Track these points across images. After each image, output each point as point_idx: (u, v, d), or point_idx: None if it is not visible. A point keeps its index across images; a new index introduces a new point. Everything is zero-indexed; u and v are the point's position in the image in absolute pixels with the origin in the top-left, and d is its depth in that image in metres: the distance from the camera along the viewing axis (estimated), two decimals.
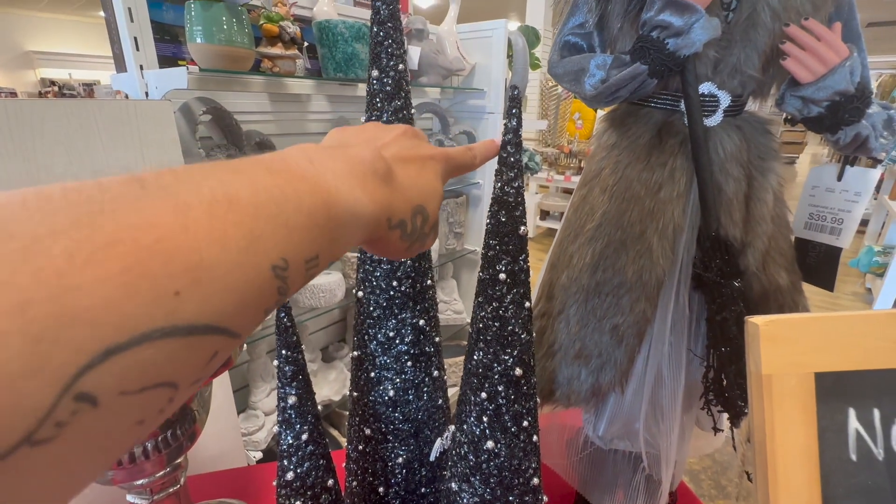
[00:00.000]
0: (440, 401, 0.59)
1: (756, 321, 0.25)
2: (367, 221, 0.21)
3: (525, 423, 0.42)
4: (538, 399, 0.44)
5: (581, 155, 4.02)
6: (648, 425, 0.56)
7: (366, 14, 1.36)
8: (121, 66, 1.05)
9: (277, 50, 0.98)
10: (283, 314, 0.40)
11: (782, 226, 0.48)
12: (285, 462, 0.43)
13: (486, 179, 1.65)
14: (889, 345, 0.26)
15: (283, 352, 0.40)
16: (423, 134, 0.30)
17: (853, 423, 0.27)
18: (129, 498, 0.54)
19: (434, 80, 1.43)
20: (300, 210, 0.17)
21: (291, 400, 0.41)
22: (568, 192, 4.37)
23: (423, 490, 0.60)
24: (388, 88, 0.44)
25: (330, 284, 1.23)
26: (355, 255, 1.31)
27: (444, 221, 1.63)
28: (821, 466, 0.26)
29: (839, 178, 0.46)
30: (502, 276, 0.37)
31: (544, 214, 4.45)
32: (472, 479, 0.43)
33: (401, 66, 0.43)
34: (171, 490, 0.55)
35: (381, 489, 0.59)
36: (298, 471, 0.43)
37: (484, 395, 0.41)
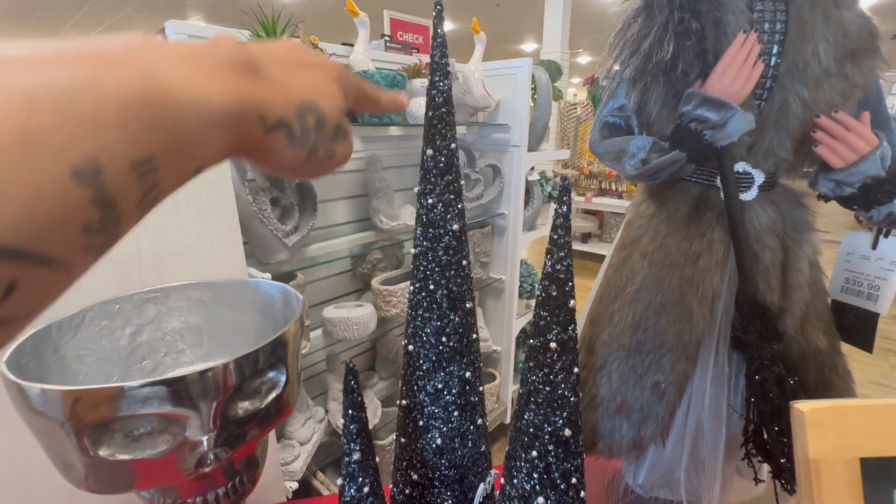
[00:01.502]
0: (483, 447, 0.62)
1: (802, 408, 0.28)
2: (225, 118, 0.18)
3: (573, 481, 0.44)
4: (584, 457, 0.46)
5: (601, 176, 4.03)
6: (689, 475, 0.57)
7: (397, 59, 1.43)
8: None
9: None
10: (350, 378, 0.43)
11: (819, 291, 0.50)
12: None
13: (510, 209, 1.69)
14: None
15: (350, 412, 0.43)
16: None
17: None
18: None
19: (461, 117, 1.49)
20: (104, 99, 0.14)
21: (356, 456, 0.44)
22: (588, 212, 4.36)
23: None
24: (441, 165, 0.48)
25: (363, 318, 1.27)
26: (387, 287, 1.35)
27: (470, 251, 1.67)
28: None
29: (873, 247, 0.47)
30: (553, 344, 0.40)
31: None
32: None
33: (452, 146, 0.48)
34: None
35: None
36: None
37: (535, 453, 0.43)
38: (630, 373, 0.51)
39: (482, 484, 0.62)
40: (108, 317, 0.59)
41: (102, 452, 0.42)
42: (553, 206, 1.65)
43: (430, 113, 0.47)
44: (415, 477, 0.60)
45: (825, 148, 0.43)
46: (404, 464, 0.61)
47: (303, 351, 1.23)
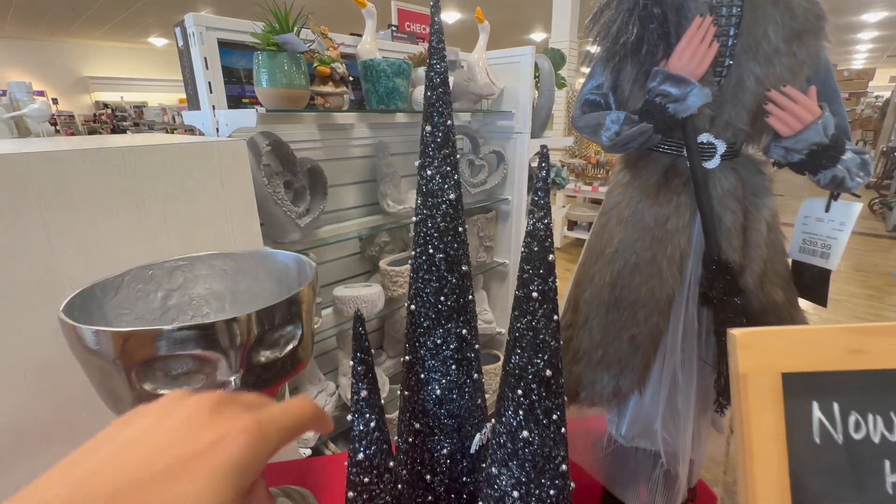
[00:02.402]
0: (479, 400, 0.68)
1: (735, 332, 0.33)
2: None
3: (555, 417, 0.50)
4: (565, 399, 0.52)
5: (608, 165, 4.04)
6: (666, 425, 0.62)
7: (403, 48, 1.48)
8: (193, 104, 1.20)
9: (329, 88, 1.10)
10: (359, 325, 0.49)
11: (776, 250, 0.54)
12: (356, 445, 0.52)
13: (514, 195, 1.73)
14: (843, 352, 0.33)
15: (358, 355, 0.50)
16: (233, 402, 0.22)
17: (816, 414, 0.33)
18: None
19: (465, 105, 1.54)
20: None
21: (363, 393, 0.50)
22: (595, 202, 4.38)
23: (464, 479, 0.68)
24: (438, 140, 0.54)
25: (372, 296, 1.34)
26: (394, 268, 1.41)
27: (474, 235, 1.72)
28: (789, 449, 0.33)
29: (826, 210, 0.52)
30: (535, 294, 0.46)
31: (571, 224, 4.48)
32: (510, 463, 0.52)
33: (449, 122, 0.53)
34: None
35: (427, 477, 0.68)
36: (367, 452, 0.52)
37: (520, 391, 0.49)
38: (609, 328, 0.57)
39: (478, 434, 0.68)
40: (143, 281, 0.66)
41: (147, 387, 0.49)
42: (557, 192, 1.69)
43: (429, 93, 0.52)
44: (417, 426, 0.67)
45: (774, 118, 0.48)
46: (408, 414, 0.68)
47: (315, 326, 1.30)
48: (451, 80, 1.45)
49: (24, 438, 0.74)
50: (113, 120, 8.34)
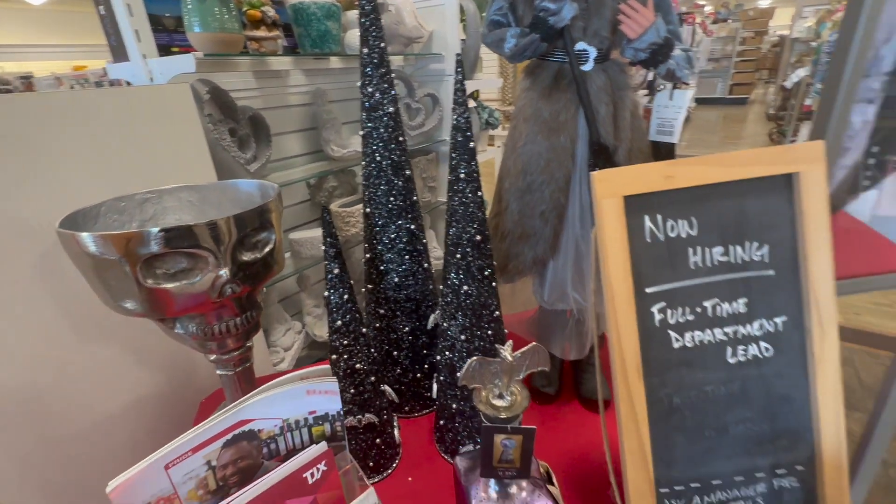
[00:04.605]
0: (430, 286, 0.82)
1: (593, 174, 0.48)
2: None
3: (486, 273, 0.65)
4: (495, 265, 0.67)
5: None
6: (576, 287, 0.80)
7: None
8: (119, 56, 1.18)
9: (262, 33, 1.14)
10: (326, 214, 0.61)
11: (638, 132, 0.72)
12: (334, 314, 0.65)
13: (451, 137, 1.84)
14: (660, 178, 0.49)
15: (328, 239, 0.61)
16: None
17: (647, 223, 0.50)
18: (218, 371, 0.76)
19: (397, 48, 1.60)
20: None
21: (336, 271, 0.63)
22: None
23: (424, 352, 0.84)
24: (375, 60, 0.64)
25: None
26: (345, 209, 1.50)
27: (418, 177, 1.83)
28: (630, 247, 0.49)
29: (671, 98, 0.70)
30: (462, 175, 0.59)
31: None
32: (457, 314, 0.67)
33: (382, 45, 0.63)
34: (246, 365, 0.77)
35: (395, 353, 0.83)
36: (344, 320, 0.65)
37: (458, 255, 0.64)
38: (524, 208, 0.73)
39: (433, 315, 0.83)
40: (118, 212, 0.72)
41: (150, 282, 0.58)
42: (489, 132, 1.81)
43: (363, 20, 0.62)
44: (381, 311, 0.81)
45: (625, 25, 0.64)
46: (373, 304, 0.81)
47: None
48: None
49: None
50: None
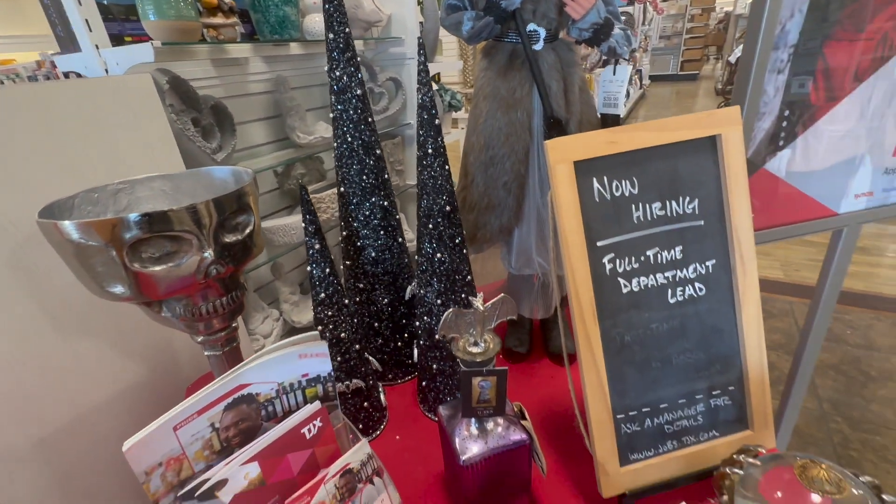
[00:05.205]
0: (406, 260, 0.87)
1: (546, 142, 0.54)
2: None
3: (457, 241, 0.71)
4: (464, 234, 0.73)
5: None
6: (540, 252, 0.87)
7: None
8: (68, 47, 1.15)
9: (219, 20, 1.13)
10: (303, 192, 0.65)
11: (587, 106, 0.79)
12: (318, 288, 0.69)
13: (415, 119, 1.87)
14: (605, 144, 0.56)
15: (307, 216, 0.65)
16: None
17: (595, 185, 0.57)
18: (206, 352, 0.78)
19: (356, 33, 1.61)
20: None
21: (317, 246, 0.67)
22: None
23: (403, 322, 0.90)
24: (341, 45, 0.67)
25: (298, 222, 1.45)
26: (315, 195, 1.52)
27: (385, 161, 1.86)
28: (581, 207, 0.56)
29: (614, 73, 0.77)
30: (430, 150, 0.64)
31: None
32: (432, 281, 0.73)
33: (347, 29, 0.67)
34: (233, 345, 0.80)
35: (375, 324, 0.88)
36: (328, 292, 0.69)
37: (431, 225, 0.69)
38: (489, 180, 0.79)
39: (409, 286, 0.88)
40: (91, 203, 0.73)
41: (137, 266, 0.60)
42: (453, 114, 1.85)
43: (327, 5, 0.65)
44: (361, 286, 0.85)
45: (569, 7, 0.70)
46: (352, 280, 0.86)
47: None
48: None
49: None
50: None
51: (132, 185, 0.79)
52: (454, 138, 2.49)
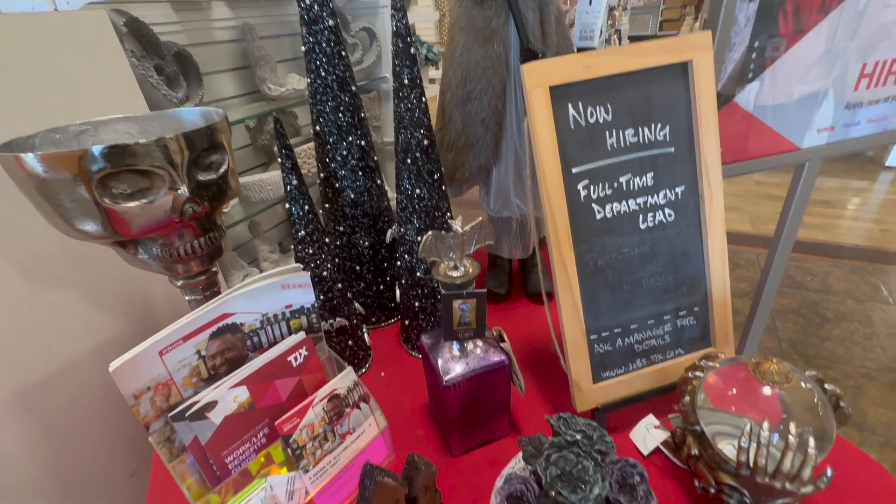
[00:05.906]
0: (385, 203, 0.87)
1: (522, 66, 0.54)
2: None
3: (436, 177, 0.71)
4: (443, 172, 0.73)
5: None
6: (518, 193, 0.89)
7: None
8: None
9: None
10: (278, 124, 0.63)
11: (563, 37, 0.79)
12: (297, 226, 0.69)
13: (391, 72, 1.82)
14: (580, 69, 0.56)
15: (283, 151, 0.64)
16: None
17: (571, 111, 0.58)
18: (187, 297, 0.78)
19: None
20: None
21: (294, 182, 0.66)
22: None
23: (384, 265, 0.91)
24: None
25: (274, 178, 1.41)
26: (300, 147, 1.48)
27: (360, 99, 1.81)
28: (556, 133, 0.57)
29: (590, 5, 0.76)
30: (406, 81, 0.64)
31: None
32: (412, 218, 0.73)
33: None
34: (213, 290, 0.80)
35: (357, 268, 0.89)
36: (307, 230, 0.69)
37: (409, 160, 0.69)
38: (466, 117, 0.78)
39: (390, 230, 0.89)
40: (53, 144, 0.70)
41: (108, 201, 0.59)
42: (430, 68, 1.80)
43: None
44: (341, 228, 0.85)
45: None
46: (332, 223, 0.86)
47: (225, 210, 1.36)
48: None
49: None
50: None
51: (95, 127, 0.75)
52: (431, 93, 2.44)
